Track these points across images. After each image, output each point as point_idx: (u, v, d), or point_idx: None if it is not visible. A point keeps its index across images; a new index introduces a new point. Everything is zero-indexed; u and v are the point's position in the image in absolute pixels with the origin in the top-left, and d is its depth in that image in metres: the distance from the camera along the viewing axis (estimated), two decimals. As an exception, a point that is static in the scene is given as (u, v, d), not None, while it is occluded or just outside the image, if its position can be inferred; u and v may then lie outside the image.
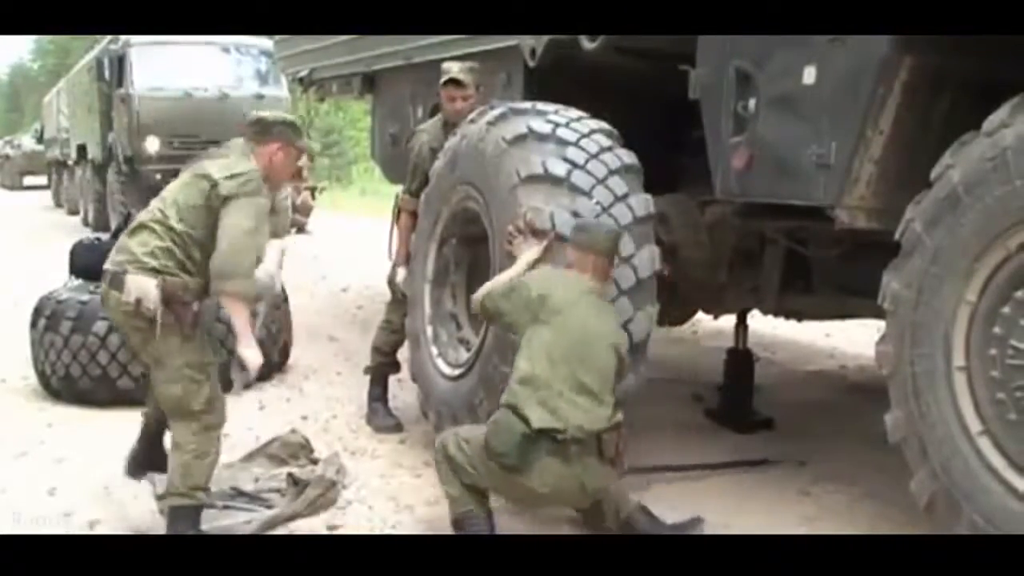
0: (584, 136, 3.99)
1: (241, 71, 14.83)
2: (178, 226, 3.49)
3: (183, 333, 3.49)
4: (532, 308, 3.43)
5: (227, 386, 3.84)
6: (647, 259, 3.86)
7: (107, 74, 14.84)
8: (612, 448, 3.34)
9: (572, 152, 3.91)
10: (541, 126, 3.99)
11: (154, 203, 3.59)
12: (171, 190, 3.65)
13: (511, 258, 3.77)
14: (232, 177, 3.49)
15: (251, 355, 3.55)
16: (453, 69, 4.74)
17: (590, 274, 3.54)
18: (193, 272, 3.50)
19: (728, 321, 5.29)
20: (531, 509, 3.69)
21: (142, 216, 3.63)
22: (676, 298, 4.62)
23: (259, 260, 3.55)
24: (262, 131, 3.67)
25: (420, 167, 4.81)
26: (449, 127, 4.72)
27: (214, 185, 3.47)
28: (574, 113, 4.14)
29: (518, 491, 3.35)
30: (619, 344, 3.50)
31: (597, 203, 3.81)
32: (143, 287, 3.42)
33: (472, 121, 4.29)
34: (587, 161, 3.90)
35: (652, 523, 3.56)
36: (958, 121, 3.09)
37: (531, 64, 4.72)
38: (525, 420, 3.22)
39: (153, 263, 3.46)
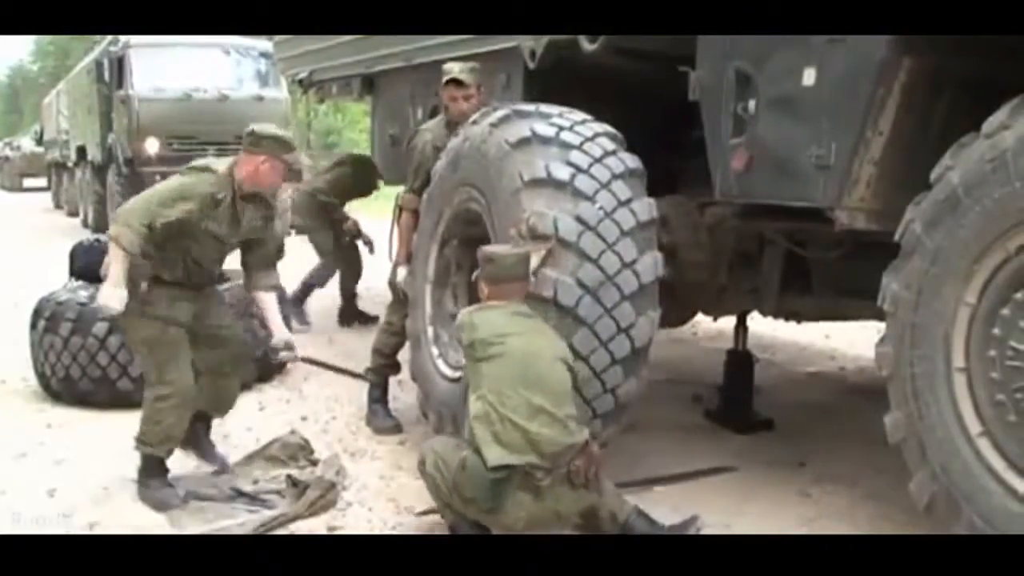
0: (588, 140, 3.97)
1: (241, 73, 14.83)
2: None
3: (138, 310, 3.92)
4: (469, 352, 3.45)
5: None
6: (650, 264, 3.85)
7: (107, 76, 14.85)
8: (581, 475, 3.30)
9: (576, 156, 3.89)
10: (545, 129, 3.97)
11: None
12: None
13: None
14: (190, 169, 4.06)
15: (289, 337, 4.23)
16: (454, 69, 4.74)
17: (509, 300, 3.53)
18: (152, 256, 3.93)
19: (728, 322, 5.29)
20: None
21: None
22: (676, 299, 4.62)
23: (280, 255, 4.06)
24: (253, 142, 4.02)
25: (423, 166, 4.80)
26: (453, 127, 4.72)
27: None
28: (578, 116, 4.12)
29: (497, 526, 3.33)
30: (564, 356, 3.47)
31: (600, 208, 3.79)
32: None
33: (475, 122, 4.28)
34: (591, 165, 3.88)
35: (650, 526, 3.56)
36: (957, 122, 3.10)
37: (531, 66, 4.72)
38: (484, 461, 3.21)
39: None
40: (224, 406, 4.39)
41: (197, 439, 4.39)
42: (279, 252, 4.10)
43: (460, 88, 4.70)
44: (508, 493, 3.22)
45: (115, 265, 3.84)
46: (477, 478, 3.23)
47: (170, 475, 4.20)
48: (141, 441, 4.09)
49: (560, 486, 3.27)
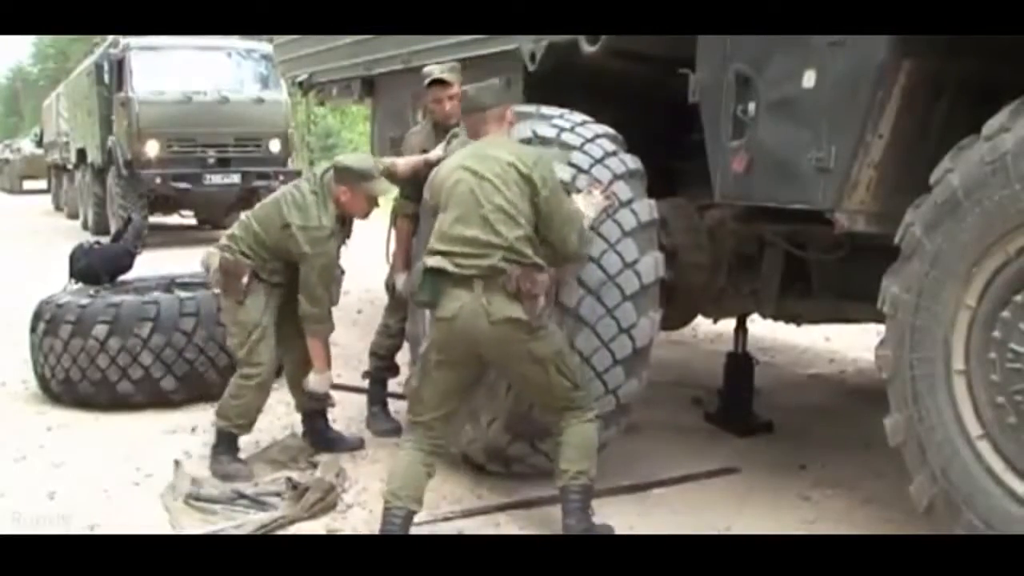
0: (589, 141, 3.99)
1: (241, 75, 14.85)
2: (255, 227, 4.39)
3: (236, 298, 4.34)
4: (432, 196, 3.66)
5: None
6: (651, 265, 3.87)
7: (107, 78, 14.86)
8: (513, 283, 3.34)
9: (577, 157, 3.91)
10: (546, 130, 3.99)
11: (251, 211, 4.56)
12: (262, 205, 4.51)
13: None
14: (305, 229, 4.27)
15: (314, 380, 4.53)
16: (436, 70, 4.77)
17: (481, 134, 3.65)
18: (251, 258, 4.35)
19: (728, 325, 5.28)
20: (461, 361, 3.56)
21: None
22: (675, 302, 4.62)
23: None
24: (337, 176, 4.35)
25: None
26: (440, 129, 4.74)
27: (286, 226, 4.29)
28: (578, 117, 4.14)
29: (441, 331, 3.43)
30: (516, 163, 3.44)
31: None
32: (210, 259, 4.43)
33: None
34: (592, 166, 3.90)
35: (573, 513, 3.52)
36: (957, 125, 3.10)
37: (531, 68, 4.72)
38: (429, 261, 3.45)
39: (225, 242, 4.45)
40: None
41: (320, 434, 4.75)
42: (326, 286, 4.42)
43: (444, 88, 4.71)
44: (444, 289, 3.39)
45: (321, 353, 4.48)
46: (418, 275, 3.51)
47: (174, 474, 4.22)
48: (220, 415, 4.44)
49: (494, 292, 3.35)
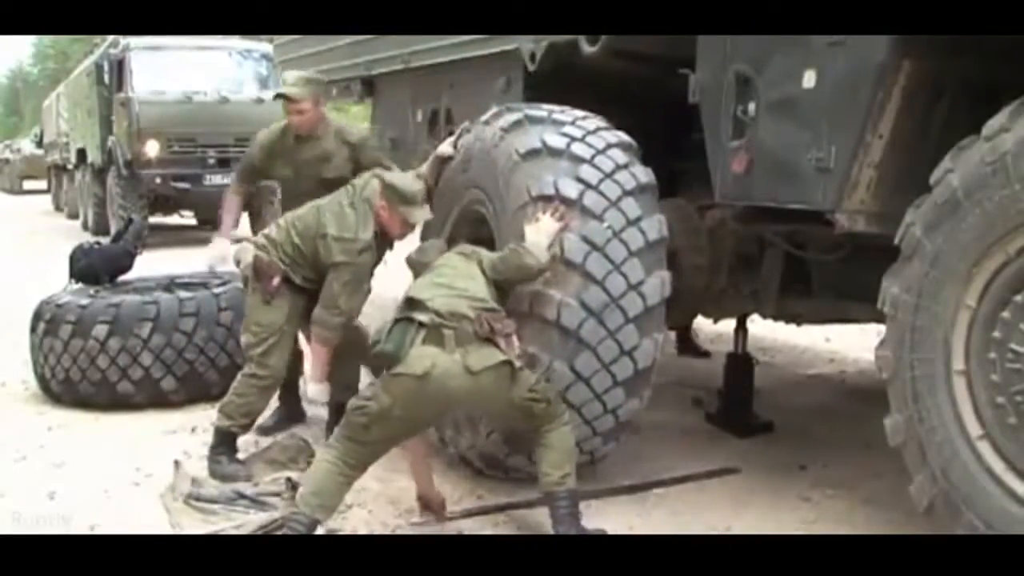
0: (599, 153, 3.91)
1: (241, 75, 14.84)
2: (295, 236, 4.38)
3: (263, 298, 4.36)
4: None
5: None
6: (656, 286, 3.81)
7: (107, 78, 14.85)
8: (485, 326, 3.32)
9: (585, 171, 3.83)
10: (555, 141, 3.90)
11: (290, 214, 4.51)
12: (300, 216, 4.44)
13: None
14: (340, 240, 4.26)
15: (312, 390, 4.51)
16: (288, 80, 4.76)
17: None
18: (286, 263, 4.36)
19: (728, 325, 5.28)
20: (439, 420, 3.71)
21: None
22: (675, 302, 4.62)
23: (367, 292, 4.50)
24: (382, 191, 4.30)
25: (248, 160, 5.07)
26: (293, 135, 4.79)
27: (323, 236, 4.28)
28: (591, 124, 4.06)
29: (406, 389, 3.26)
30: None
31: (608, 227, 3.74)
32: (244, 254, 4.44)
33: (487, 123, 4.26)
34: (600, 181, 3.82)
35: (564, 520, 3.51)
36: (957, 125, 3.10)
37: (531, 68, 4.72)
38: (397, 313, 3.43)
39: (262, 241, 4.46)
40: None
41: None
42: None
43: (289, 102, 4.67)
44: (412, 342, 3.28)
45: (323, 360, 4.41)
46: (383, 329, 3.38)
47: (174, 474, 4.22)
48: (223, 413, 4.44)
49: (468, 342, 3.31)
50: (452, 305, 3.36)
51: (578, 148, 3.91)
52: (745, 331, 5.11)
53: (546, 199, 3.75)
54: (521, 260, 3.61)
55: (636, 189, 3.88)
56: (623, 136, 4.07)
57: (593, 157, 3.90)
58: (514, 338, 3.39)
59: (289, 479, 4.12)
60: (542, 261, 3.62)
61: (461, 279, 3.54)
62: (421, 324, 3.32)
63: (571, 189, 3.77)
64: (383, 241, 4.43)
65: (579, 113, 4.14)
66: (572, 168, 3.83)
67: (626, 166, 3.93)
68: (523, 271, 3.64)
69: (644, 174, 3.95)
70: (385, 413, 3.30)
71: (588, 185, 3.80)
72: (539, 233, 3.65)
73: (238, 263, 4.47)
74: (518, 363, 3.38)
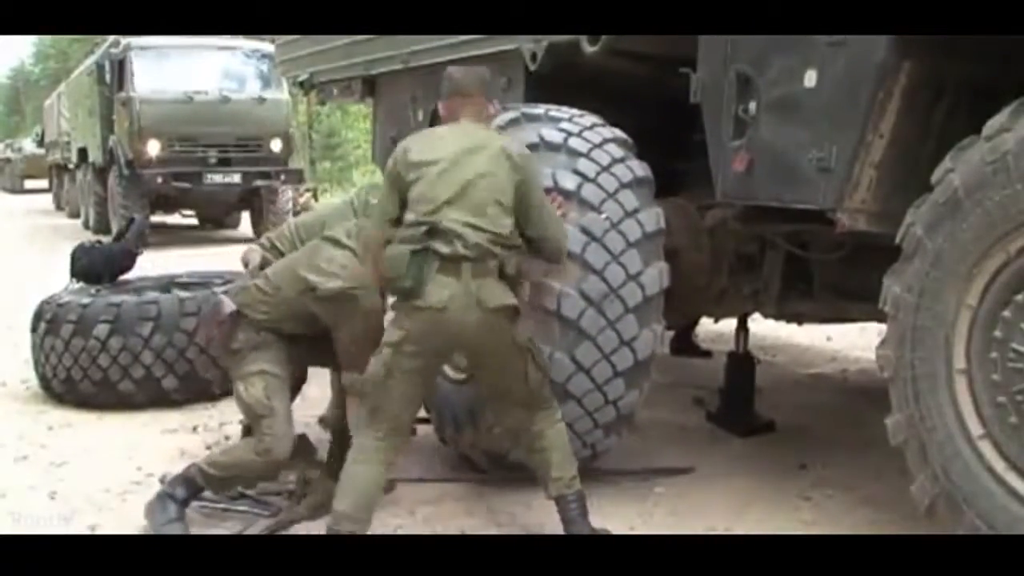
0: (596, 147, 3.94)
1: (242, 74, 14.86)
2: (299, 239, 4.18)
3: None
4: (401, 173, 3.36)
5: None
6: (655, 276, 3.83)
7: (108, 77, 14.87)
8: (512, 265, 3.25)
9: (583, 164, 3.86)
10: (553, 135, 3.94)
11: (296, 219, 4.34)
12: (303, 221, 4.31)
13: None
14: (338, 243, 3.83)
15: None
16: None
17: (458, 119, 3.49)
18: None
19: (729, 324, 5.28)
20: (444, 354, 3.50)
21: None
22: (676, 302, 4.62)
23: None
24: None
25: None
26: None
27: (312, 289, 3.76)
28: (588, 120, 4.09)
29: (423, 322, 3.22)
30: (507, 149, 3.32)
31: (607, 218, 3.77)
32: (251, 255, 4.27)
33: None
34: (598, 174, 3.85)
35: (577, 521, 3.49)
36: (958, 125, 3.10)
37: (532, 68, 4.72)
38: (413, 243, 3.22)
39: (268, 244, 4.29)
40: None
41: None
42: None
43: None
44: (429, 274, 3.18)
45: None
46: (399, 258, 3.21)
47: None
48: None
49: (484, 276, 3.22)
50: (475, 239, 3.20)
51: (575, 143, 3.94)
52: (746, 330, 5.11)
53: (544, 191, 3.76)
54: (560, 225, 3.48)
55: (633, 182, 3.92)
56: (619, 132, 4.10)
57: (590, 151, 3.93)
58: (526, 284, 3.34)
59: (292, 479, 4.11)
60: (565, 249, 3.55)
61: (496, 205, 3.27)
62: (440, 255, 3.19)
63: (569, 181, 3.80)
64: None
65: (575, 111, 4.16)
66: (569, 162, 3.87)
67: (622, 160, 3.97)
68: (552, 244, 3.47)
69: (640, 168, 3.99)
70: (399, 348, 3.25)
71: (586, 178, 3.84)
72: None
73: (246, 264, 4.43)
74: (521, 308, 3.34)
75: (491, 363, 3.45)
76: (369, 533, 3.67)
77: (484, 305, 3.21)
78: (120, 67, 14.39)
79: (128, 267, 6.35)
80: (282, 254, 4.19)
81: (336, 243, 3.83)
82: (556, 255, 3.53)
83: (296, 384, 4.23)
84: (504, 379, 3.47)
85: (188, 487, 3.76)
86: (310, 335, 3.89)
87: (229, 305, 3.95)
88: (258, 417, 3.75)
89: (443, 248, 3.19)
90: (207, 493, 4.02)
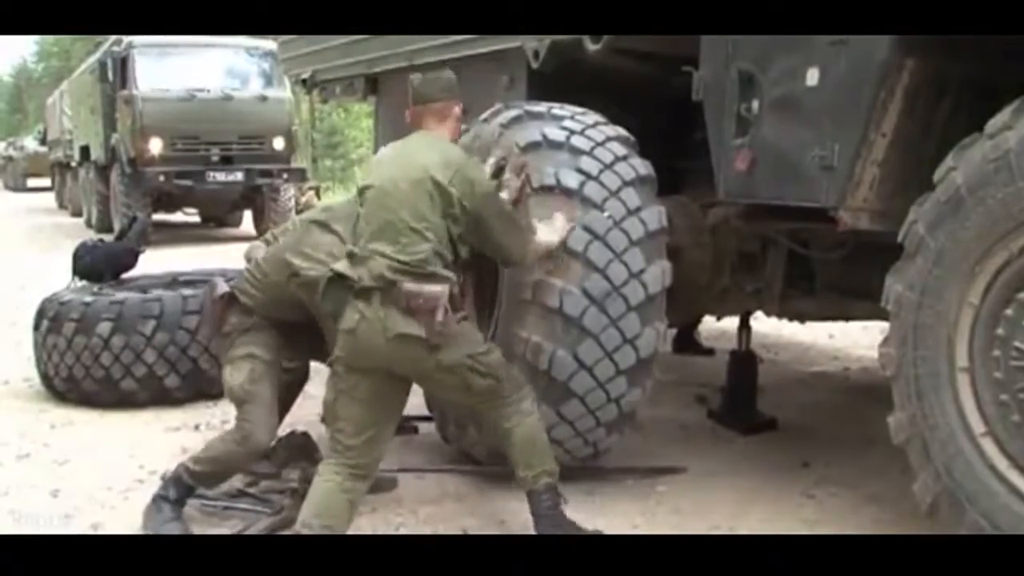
0: (598, 145, 3.94)
1: (244, 72, 14.85)
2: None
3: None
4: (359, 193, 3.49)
5: None
6: (657, 275, 3.83)
7: (110, 76, 14.85)
8: (403, 299, 3.21)
9: (586, 162, 3.86)
10: (555, 134, 3.93)
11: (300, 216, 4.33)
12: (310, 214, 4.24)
13: None
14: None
15: None
16: None
17: (420, 126, 3.53)
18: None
19: (731, 323, 5.28)
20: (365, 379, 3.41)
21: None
22: (678, 300, 4.61)
23: None
24: None
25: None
26: None
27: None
28: (590, 119, 4.08)
29: (345, 344, 3.30)
30: (432, 173, 3.27)
31: (609, 216, 3.76)
32: (255, 251, 4.24)
33: (486, 120, 4.26)
34: (600, 172, 3.84)
35: (545, 517, 3.45)
36: (960, 123, 3.10)
37: (534, 66, 4.72)
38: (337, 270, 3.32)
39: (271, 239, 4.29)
40: None
41: None
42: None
43: None
44: (347, 300, 3.27)
45: None
46: (325, 283, 3.35)
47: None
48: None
49: (389, 305, 3.22)
50: (378, 269, 3.24)
51: (578, 141, 3.94)
52: (748, 328, 5.11)
53: (547, 190, 3.77)
54: (511, 235, 3.47)
55: (636, 180, 3.91)
56: (621, 130, 4.09)
57: (592, 149, 3.92)
58: (439, 313, 3.23)
59: (293, 478, 4.11)
60: (528, 256, 3.57)
61: (410, 232, 3.26)
62: (352, 282, 3.28)
63: (571, 179, 3.79)
64: None
65: (577, 109, 4.16)
66: (572, 160, 3.86)
67: (625, 158, 3.96)
68: (505, 252, 3.53)
69: (643, 166, 3.98)
70: (335, 369, 3.35)
71: (588, 176, 3.83)
72: (552, 233, 3.64)
73: (249, 261, 4.41)
74: (434, 340, 3.26)
75: (421, 383, 3.55)
76: (370, 532, 3.69)
77: (387, 332, 3.23)
78: (122, 65, 14.39)
79: (130, 265, 6.35)
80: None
81: (325, 227, 3.87)
82: (509, 263, 3.63)
83: (299, 381, 4.24)
84: (444, 393, 3.59)
85: (178, 487, 3.78)
86: (310, 328, 3.90)
87: (223, 286, 4.02)
88: (240, 402, 3.81)
89: (354, 275, 3.28)
90: (209, 492, 4.03)
